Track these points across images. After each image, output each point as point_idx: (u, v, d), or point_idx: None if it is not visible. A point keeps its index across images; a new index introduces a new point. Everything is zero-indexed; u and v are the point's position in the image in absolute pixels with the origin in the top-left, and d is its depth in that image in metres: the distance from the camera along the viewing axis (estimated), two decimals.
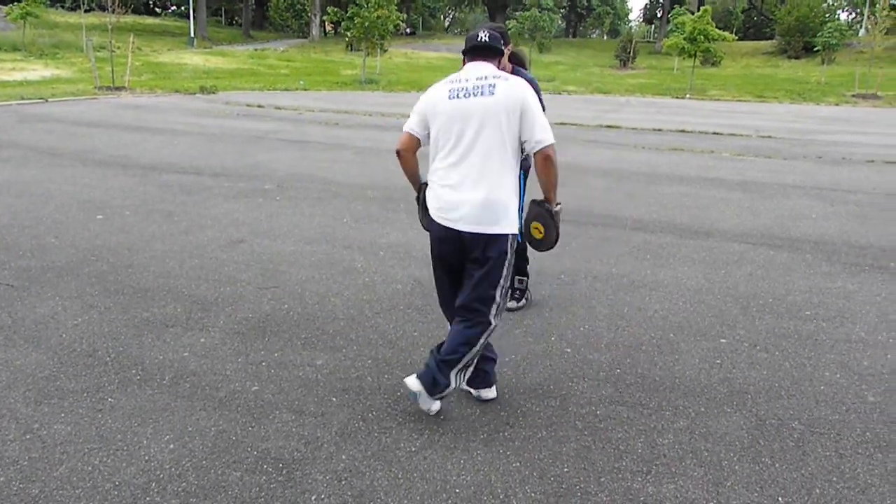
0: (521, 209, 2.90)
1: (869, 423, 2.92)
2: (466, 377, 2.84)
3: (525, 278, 4.16)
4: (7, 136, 10.37)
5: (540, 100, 2.95)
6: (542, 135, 2.63)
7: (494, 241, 2.67)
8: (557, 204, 2.85)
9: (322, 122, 13.77)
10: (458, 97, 2.67)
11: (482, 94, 2.64)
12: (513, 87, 2.65)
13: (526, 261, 4.11)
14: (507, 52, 3.07)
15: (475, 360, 2.82)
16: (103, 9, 21.22)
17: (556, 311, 4.09)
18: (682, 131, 14.13)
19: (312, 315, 3.93)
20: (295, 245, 5.27)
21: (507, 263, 2.73)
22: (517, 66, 3.61)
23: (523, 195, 3.68)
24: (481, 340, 2.74)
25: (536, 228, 2.92)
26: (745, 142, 12.80)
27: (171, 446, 2.61)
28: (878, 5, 30.06)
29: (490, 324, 2.75)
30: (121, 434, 2.68)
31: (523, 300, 4.15)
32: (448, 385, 2.73)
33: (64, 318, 3.79)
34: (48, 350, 3.41)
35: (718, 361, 3.47)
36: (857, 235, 6.05)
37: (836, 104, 25.80)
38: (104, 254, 4.95)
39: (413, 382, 2.74)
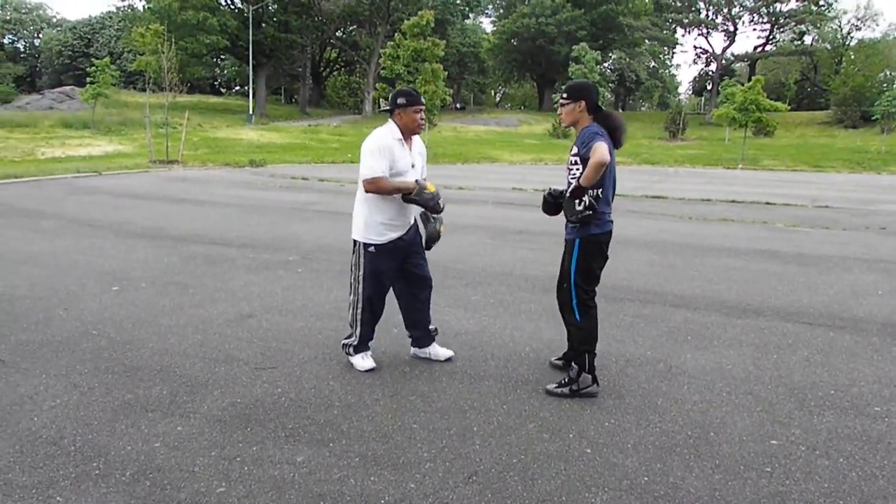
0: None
1: None
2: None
3: (576, 366, 3.66)
4: (53, 208, 10.61)
5: (587, 147, 3.32)
6: (361, 171, 3.70)
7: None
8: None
9: None
10: None
11: None
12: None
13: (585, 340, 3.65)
14: (577, 105, 3.53)
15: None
16: (164, 89, 22.22)
17: (578, 401, 3.61)
18: (733, 201, 13.53)
19: (306, 401, 3.55)
20: (305, 321, 4.96)
21: (351, 266, 3.97)
22: (596, 121, 3.57)
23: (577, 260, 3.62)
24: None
25: None
26: (800, 212, 12.14)
27: None
28: None
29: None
30: None
31: (566, 388, 3.65)
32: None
33: (41, 400, 3.53)
34: (12, 436, 3.12)
35: (768, 469, 2.92)
36: None
37: None
38: (107, 328, 4.74)
39: None
